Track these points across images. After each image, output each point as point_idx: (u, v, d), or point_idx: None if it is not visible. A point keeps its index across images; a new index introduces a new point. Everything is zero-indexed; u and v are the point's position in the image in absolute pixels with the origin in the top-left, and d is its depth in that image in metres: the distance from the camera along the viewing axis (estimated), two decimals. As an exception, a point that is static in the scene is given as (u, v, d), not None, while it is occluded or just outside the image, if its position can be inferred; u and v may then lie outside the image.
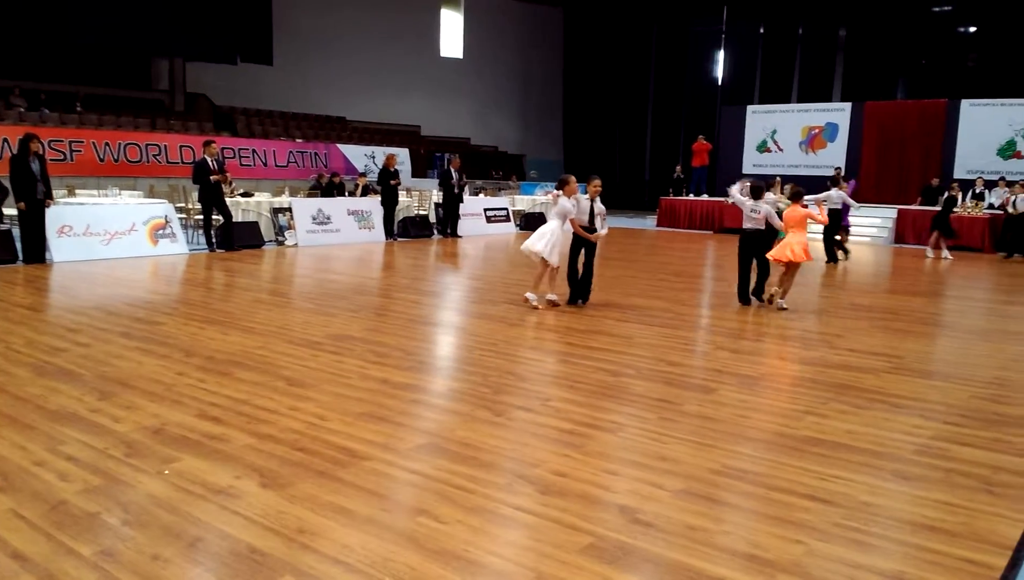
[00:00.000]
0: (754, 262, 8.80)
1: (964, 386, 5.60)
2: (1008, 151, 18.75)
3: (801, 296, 9.41)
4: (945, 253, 14.90)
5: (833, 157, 20.86)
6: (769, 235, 8.86)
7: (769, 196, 9.15)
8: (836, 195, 13.42)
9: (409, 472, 3.75)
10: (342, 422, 4.43)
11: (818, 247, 12.81)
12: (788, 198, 9.02)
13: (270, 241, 14.07)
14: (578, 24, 30.53)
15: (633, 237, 18.60)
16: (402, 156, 22.47)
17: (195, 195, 13.22)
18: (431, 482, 3.64)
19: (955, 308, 9.60)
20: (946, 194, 15.20)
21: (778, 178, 16.13)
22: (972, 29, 23.20)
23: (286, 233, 14.19)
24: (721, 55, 27.94)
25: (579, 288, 8.52)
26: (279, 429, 4.30)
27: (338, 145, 22.28)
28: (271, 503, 3.37)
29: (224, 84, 22.94)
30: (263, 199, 15.06)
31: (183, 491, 3.46)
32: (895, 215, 18.04)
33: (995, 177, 17.76)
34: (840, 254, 13.60)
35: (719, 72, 28.10)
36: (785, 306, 8.52)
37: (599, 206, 8.37)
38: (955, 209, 15.41)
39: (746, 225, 8.76)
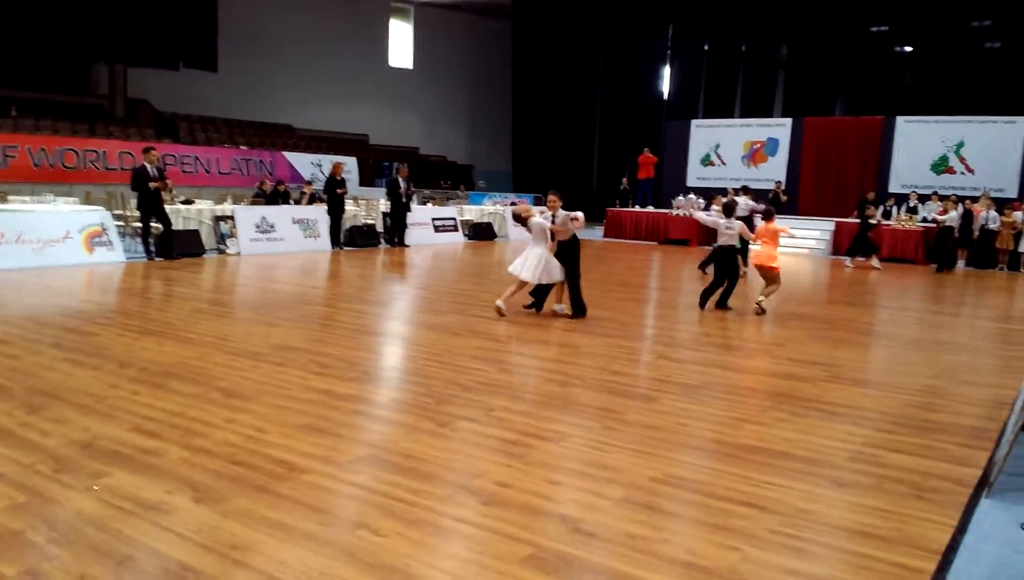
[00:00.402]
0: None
1: (896, 394, 5.76)
2: (941, 166, 19.44)
3: (742, 306, 9.58)
4: (875, 262, 15.45)
5: (774, 171, 21.36)
6: (740, 249, 9.50)
7: (742, 202, 9.53)
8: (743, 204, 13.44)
9: (349, 485, 3.70)
10: (281, 435, 4.35)
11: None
12: (762, 218, 9.73)
13: (211, 250, 13.79)
14: (527, 37, 30.73)
15: (581, 248, 18.71)
16: (350, 165, 22.28)
17: (133, 202, 12.90)
18: (371, 495, 3.60)
19: (889, 318, 9.89)
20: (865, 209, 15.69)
21: (731, 190, 16.53)
22: (908, 49, 24.04)
23: (228, 241, 13.93)
24: (667, 70, 28.42)
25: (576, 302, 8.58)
26: (215, 442, 4.20)
27: (284, 153, 22.00)
28: (204, 519, 3.28)
29: (166, 90, 22.48)
30: (205, 207, 14.76)
31: (113, 507, 3.35)
32: (833, 228, 18.54)
33: (928, 191, 18.39)
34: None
35: (665, 87, 28.57)
36: (760, 310, 9.11)
37: (560, 216, 8.53)
38: (874, 222, 15.94)
39: (721, 241, 9.32)
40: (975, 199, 16.44)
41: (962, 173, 19.09)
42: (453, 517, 3.39)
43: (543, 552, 3.09)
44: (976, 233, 16.08)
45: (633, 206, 22.36)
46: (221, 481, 3.68)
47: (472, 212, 20.55)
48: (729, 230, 9.27)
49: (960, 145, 19.09)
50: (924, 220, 17.52)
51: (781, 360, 6.80)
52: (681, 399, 5.40)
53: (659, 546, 3.18)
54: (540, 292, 8.59)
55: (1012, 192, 17.72)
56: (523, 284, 8.30)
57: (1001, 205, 16.45)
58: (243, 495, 3.52)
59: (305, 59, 25.37)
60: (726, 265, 9.32)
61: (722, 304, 9.35)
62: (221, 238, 13.97)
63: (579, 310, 8.48)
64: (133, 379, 5.37)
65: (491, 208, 21.10)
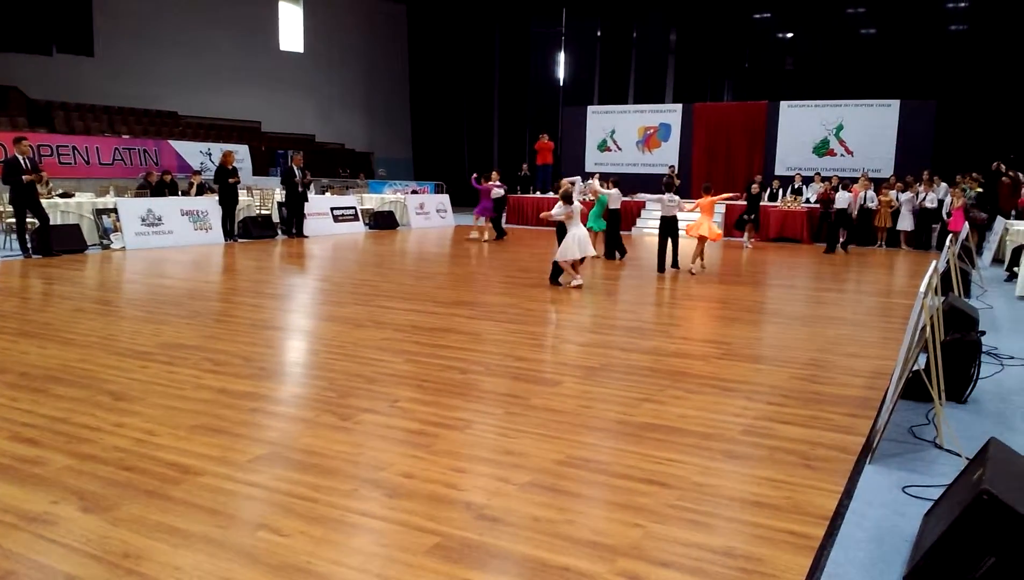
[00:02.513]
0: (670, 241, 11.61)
1: (785, 368, 6.04)
2: (822, 149, 20.41)
3: (639, 289, 9.82)
4: (748, 242, 16.20)
5: (667, 156, 21.95)
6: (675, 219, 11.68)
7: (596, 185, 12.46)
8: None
9: (247, 485, 3.59)
10: (173, 437, 4.17)
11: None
12: (702, 191, 12.18)
13: (94, 245, 13.09)
14: (422, 21, 30.41)
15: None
16: (241, 153, 21.54)
17: (6, 197, 12.09)
18: (271, 494, 3.50)
19: (778, 296, 10.34)
20: (753, 189, 16.43)
21: (597, 174, 16.98)
22: (789, 35, 25.07)
23: (112, 236, 13.26)
24: (562, 56, 28.69)
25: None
26: (103, 448, 3.99)
27: (170, 141, 21.04)
28: (93, 528, 3.13)
29: (39, 76, 21.07)
30: (85, 200, 13.99)
31: (-11, 523, 3.14)
32: (723, 210, 19.20)
33: (811, 173, 19.29)
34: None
35: (560, 73, 28.84)
36: (700, 270, 11.79)
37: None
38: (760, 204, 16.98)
39: (664, 213, 11.52)
40: (854, 180, 17.35)
41: (842, 155, 20.10)
42: (357, 512, 3.34)
43: (449, 541, 3.08)
44: (855, 213, 16.96)
45: (534, 192, 22.53)
46: (110, 488, 3.51)
47: (373, 200, 20.24)
48: (671, 203, 11.40)
49: (839, 128, 20.09)
50: (808, 201, 18.37)
51: (677, 340, 7.01)
52: (583, 382, 5.49)
53: (564, 527, 3.23)
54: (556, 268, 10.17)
55: (888, 172, 18.79)
56: (581, 260, 9.98)
57: (878, 185, 17.45)
58: (134, 501, 3.37)
59: (189, 42, 24.27)
60: (668, 232, 11.55)
61: (675, 264, 11.81)
62: (104, 233, 13.28)
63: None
64: (11, 385, 5.05)
65: (392, 196, 20.84)
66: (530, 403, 4.95)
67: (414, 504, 3.42)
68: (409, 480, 3.68)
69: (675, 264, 11.82)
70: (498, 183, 17.02)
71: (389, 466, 3.85)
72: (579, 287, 9.78)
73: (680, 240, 11.93)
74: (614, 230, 13.33)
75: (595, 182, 13.68)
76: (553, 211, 10.02)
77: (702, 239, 11.73)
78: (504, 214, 17.85)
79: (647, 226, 19.91)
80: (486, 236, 16.59)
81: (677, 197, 11.33)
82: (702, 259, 11.95)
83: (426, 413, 4.69)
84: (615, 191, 12.70)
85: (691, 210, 12.36)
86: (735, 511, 3.45)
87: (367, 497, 3.49)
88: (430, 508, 3.38)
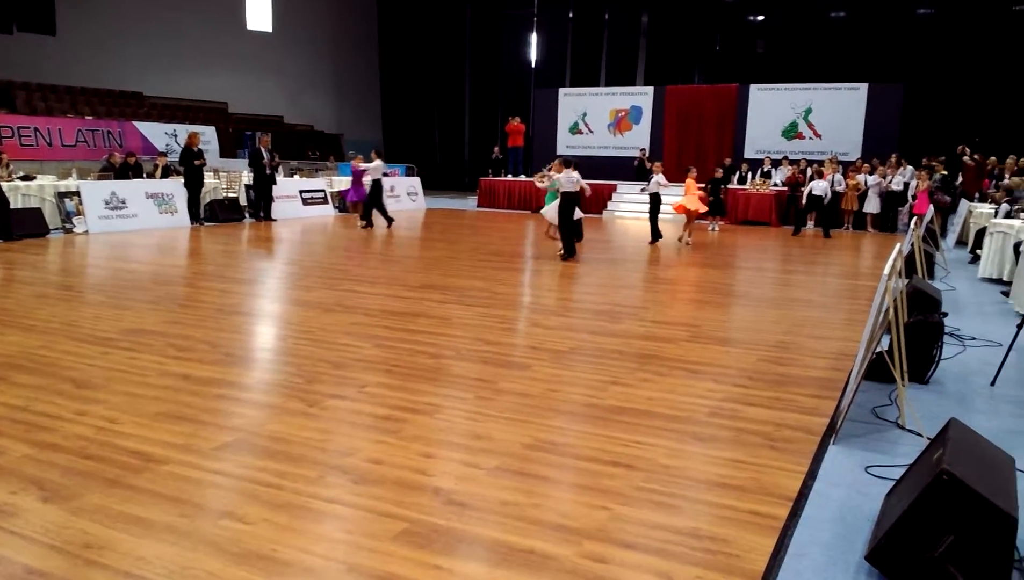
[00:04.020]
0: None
1: (752, 350, 6.09)
2: (791, 132, 20.54)
3: (609, 272, 9.85)
4: (713, 225, 16.32)
5: (638, 139, 21.96)
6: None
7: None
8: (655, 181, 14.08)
9: (212, 473, 3.55)
10: (136, 424, 4.11)
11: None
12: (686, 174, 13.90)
13: (56, 229, 12.83)
14: (393, 2, 30.04)
15: (454, 217, 18.71)
16: (208, 134, 21.17)
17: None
18: (236, 482, 3.47)
19: (746, 278, 10.43)
20: (717, 173, 16.55)
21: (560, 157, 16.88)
22: (760, 18, 25.14)
23: (74, 219, 12.99)
24: (534, 38, 28.53)
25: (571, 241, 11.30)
26: (63, 436, 3.92)
27: (134, 123, 20.61)
28: (54, 518, 3.07)
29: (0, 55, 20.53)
30: (47, 182, 13.67)
31: (-56, 514, 3.07)
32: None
33: (780, 157, 19.42)
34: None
35: (532, 55, 28.69)
36: (688, 240, 13.34)
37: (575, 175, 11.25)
38: (725, 186, 17.09)
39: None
40: (822, 163, 17.50)
41: (811, 138, 20.24)
42: (324, 498, 3.32)
43: (416, 526, 3.07)
44: (828, 198, 17.09)
45: (506, 175, 22.46)
46: (71, 477, 3.45)
47: (342, 183, 20.02)
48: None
49: (808, 111, 20.22)
50: (776, 185, 18.51)
51: (647, 322, 7.04)
52: (552, 365, 5.49)
53: (531, 511, 3.23)
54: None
55: (855, 155, 18.97)
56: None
57: (845, 168, 17.62)
58: (96, 491, 3.32)
59: (155, 21, 23.72)
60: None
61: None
62: (67, 216, 13.00)
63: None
64: (-34, 373, 4.94)
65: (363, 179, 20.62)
66: (499, 387, 4.95)
67: (382, 490, 3.40)
68: (377, 466, 3.66)
69: (656, 238, 13.42)
70: (373, 165, 15.18)
71: (357, 452, 3.83)
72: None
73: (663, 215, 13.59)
74: (565, 216, 11.67)
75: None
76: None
77: (689, 214, 13.34)
78: (381, 200, 15.55)
79: (618, 209, 19.97)
80: (360, 224, 15.16)
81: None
82: (690, 234, 13.56)
83: (395, 398, 4.67)
84: (563, 174, 11.50)
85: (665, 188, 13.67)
86: (701, 492, 3.48)
87: (334, 483, 3.47)
88: (398, 494, 3.37)
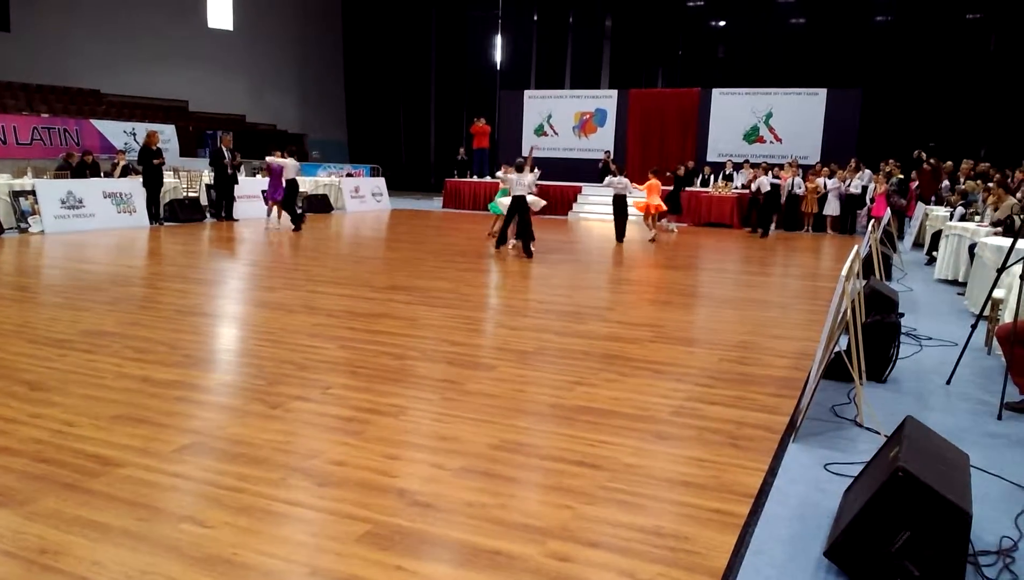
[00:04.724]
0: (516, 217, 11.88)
1: (715, 350, 6.16)
2: (752, 136, 20.81)
3: (575, 273, 9.88)
4: (672, 226, 16.45)
5: (603, 141, 22.09)
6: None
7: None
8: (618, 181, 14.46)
9: (171, 476, 3.49)
10: (94, 427, 4.03)
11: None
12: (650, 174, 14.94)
13: (10, 229, 12.52)
14: (356, 2, 29.83)
15: (420, 218, 18.64)
16: (167, 133, 20.81)
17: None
18: (196, 485, 3.41)
19: (709, 280, 10.55)
20: (679, 171, 16.78)
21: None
22: (722, 23, 25.45)
23: (29, 219, 12.69)
24: (499, 40, 28.55)
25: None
26: (18, 440, 3.83)
27: (92, 121, 20.19)
28: (7, 523, 3.00)
29: (-51, 50, 19.98)
30: (2, 181, 13.32)
31: None
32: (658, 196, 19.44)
33: (741, 160, 19.68)
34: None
35: (498, 57, 28.71)
36: (654, 235, 14.55)
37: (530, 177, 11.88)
38: (686, 188, 17.44)
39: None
40: (782, 166, 17.76)
41: (771, 142, 20.53)
42: (285, 501, 3.28)
43: (380, 528, 3.06)
44: (783, 198, 17.40)
45: (471, 177, 22.43)
46: (26, 481, 3.37)
47: (306, 184, 19.83)
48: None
49: (769, 116, 20.52)
50: (737, 188, 18.75)
51: (612, 323, 7.08)
52: (518, 366, 5.50)
53: (496, 511, 3.23)
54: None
55: (815, 159, 19.28)
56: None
57: (805, 171, 17.91)
58: (51, 495, 3.25)
59: (113, 18, 23.27)
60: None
61: (622, 238, 13.82)
62: (22, 216, 12.71)
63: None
64: (-85, 376, 4.80)
65: (327, 179, 20.48)
66: (465, 388, 4.94)
67: (345, 492, 3.38)
68: (340, 468, 3.63)
69: (622, 237, 13.90)
70: (288, 163, 14.48)
71: (320, 454, 3.79)
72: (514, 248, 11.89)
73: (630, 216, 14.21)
74: (512, 216, 11.95)
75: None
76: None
77: (649, 212, 14.56)
78: (294, 201, 15.06)
79: (583, 211, 20.06)
80: (279, 223, 14.68)
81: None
82: (654, 227, 14.73)
83: (359, 400, 4.63)
84: (513, 176, 11.57)
85: (641, 190, 14.62)
86: (664, 491, 3.51)
87: (296, 486, 3.43)
88: (361, 496, 3.34)
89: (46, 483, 3.36)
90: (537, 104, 23.38)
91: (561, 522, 3.15)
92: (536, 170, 12.81)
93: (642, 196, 14.73)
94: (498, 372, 5.33)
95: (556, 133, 23.04)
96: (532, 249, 11.52)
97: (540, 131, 23.28)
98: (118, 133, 20.32)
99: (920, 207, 15.29)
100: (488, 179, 21.84)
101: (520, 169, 11.69)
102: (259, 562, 2.79)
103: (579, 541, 3.00)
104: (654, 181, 14.52)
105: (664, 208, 14.99)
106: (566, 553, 2.91)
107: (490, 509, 3.25)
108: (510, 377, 5.22)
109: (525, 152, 22.74)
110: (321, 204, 19.01)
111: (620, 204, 14.01)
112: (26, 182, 13.35)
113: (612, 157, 20.35)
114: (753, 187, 16.82)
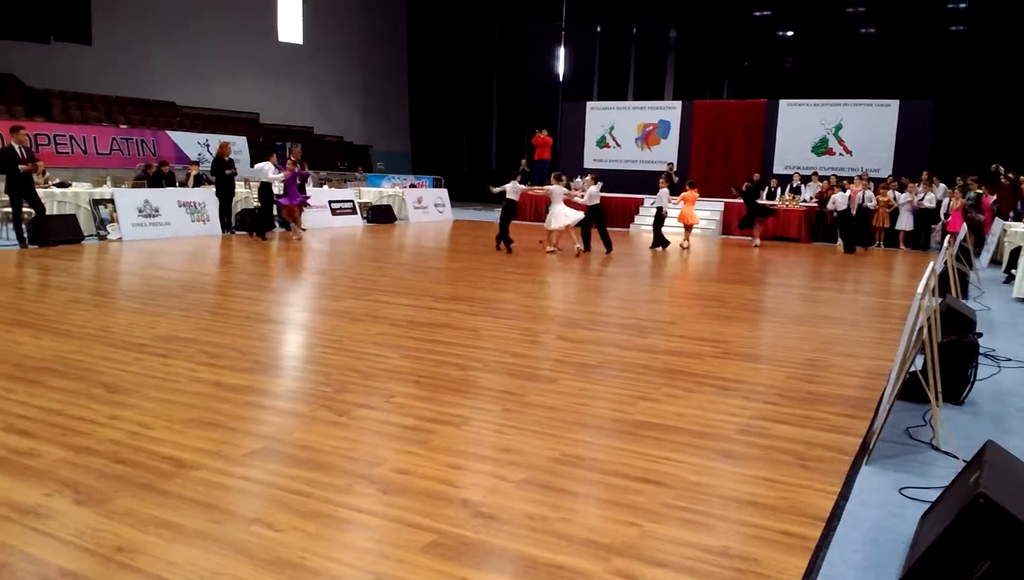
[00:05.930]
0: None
1: (781, 367, 6.03)
2: (821, 148, 20.37)
3: (636, 286, 9.80)
4: (755, 240, 16.15)
5: (666, 153, 21.90)
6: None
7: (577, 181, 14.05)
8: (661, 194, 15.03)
9: (242, 479, 3.58)
10: (168, 430, 4.16)
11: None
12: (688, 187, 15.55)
13: (91, 236, 13.05)
14: (422, 15, 30.30)
15: (481, 229, 18.75)
16: (239, 144, 21.45)
17: (2, 186, 12.03)
18: (265, 488, 3.49)
19: (775, 295, 10.34)
20: (746, 186, 16.48)
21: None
22: (789, 33, 25.04)
23: (108, 227, 13.21)
24: (562, 52, 28.62)
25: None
26: (97, 440, 3.98)
27: (167, 132, 20.95)
28: (87, 521, 3.11)
29: (36, 64, 20.94)
30: (82, 190, 13.93)
31: (-18, 515, 3.12)
32: (722, 208, 19.19)
33: (809, 172, 19.27)
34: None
35: (560, 69, 28.78)
36: (687, 246, 15.18)
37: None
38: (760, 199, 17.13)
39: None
40: (851, 179, 17.32)
41: (841, 154, 20.06)
42: (352, 507, 3.33)
43: (445, 538, 3.07)
44: (854, 211, 16.94)
45: (533, 187, 22.47)
46: (104, 481, 3.49)
47: (371, 194, 20.19)
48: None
49: (839, 127, 20.06)
50: (805, 201, 18.36)
51: (674, 338, 6.99)
52: (579, 379, 5.48)
53: (559, 525, 3.22)
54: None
55: (886, 172, 18.77)
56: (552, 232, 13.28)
57: (876, 184, 17.43)
58: (128, 495, 3.36)
59: (188, 32, 24.14)
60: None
61: (656, 244, 14.70)
62: (101, 223, 13.23)
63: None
64: (5, 376, 5.03)
65: (390, 190, 20.79)
66: (526, 400, 4.94)
67: (409, 500, 3.40)
68: (404, 476, 3.67)
69: (656, 244, 14.79)
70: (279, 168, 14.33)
71: (384, 462, 3.83)
72: (552, 252, 13.13)
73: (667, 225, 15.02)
74: (596, 225, 13.78)
75: (581, 181, 14.82)
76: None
77: (688, 224, 15.29)
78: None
79: (645, 223, 19.89)
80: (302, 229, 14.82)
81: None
82: (688, 240, 15.43)
83: (422, 409, 4.67)
84: (509, 185, 13.63)
85: (676, 203, 15.36)
86: (731, 511, 3.44)
87: (362, 493, 3.48)
88: (425, 505, 3.37)
89: (123, 483, 3.48)
90: (599, 115, 23.33)
91: (626, 539, 3.12)
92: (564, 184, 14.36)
93: (677, 209, 15.52)
94: (559, 385, 5.31)
95: (618, 145, 22.95)
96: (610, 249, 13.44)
97: (602, 143, 23.23)
98: (192, 144, 21.02)
99: (997, 223, 14.73)
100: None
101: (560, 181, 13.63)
102: (326, 567, 2.83)
103: (644, 559, 2.96)
104: (690, 193, 15.18)
105: (697, 221, 15.79)
106: (631, 571, 2.87)
107: (552, 523, 3.24)
108: (571, 390, 5.20)
109: (587, 164, 22.91)
110: (385, 214, 19.31)
111: (512, 210, 14.06)
112: (105, 191, 13.90)
113: (676, 169, 20.14)
114: (829, 206, 16.42)
